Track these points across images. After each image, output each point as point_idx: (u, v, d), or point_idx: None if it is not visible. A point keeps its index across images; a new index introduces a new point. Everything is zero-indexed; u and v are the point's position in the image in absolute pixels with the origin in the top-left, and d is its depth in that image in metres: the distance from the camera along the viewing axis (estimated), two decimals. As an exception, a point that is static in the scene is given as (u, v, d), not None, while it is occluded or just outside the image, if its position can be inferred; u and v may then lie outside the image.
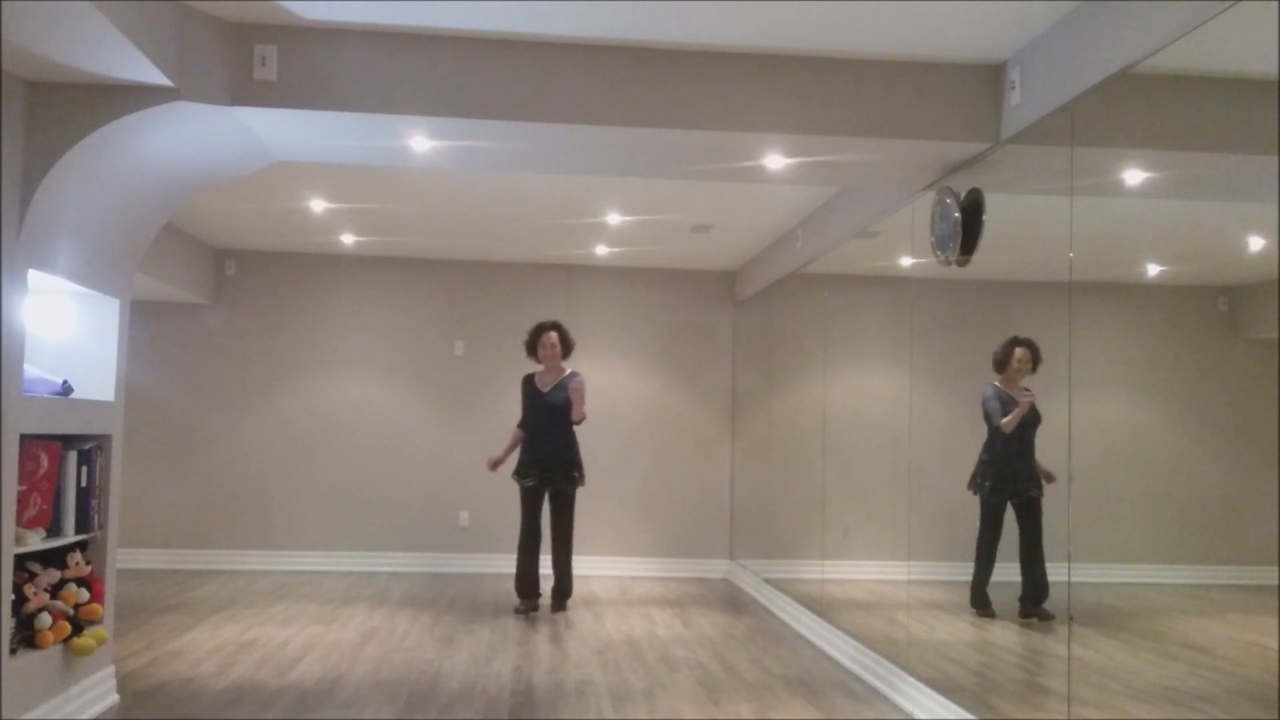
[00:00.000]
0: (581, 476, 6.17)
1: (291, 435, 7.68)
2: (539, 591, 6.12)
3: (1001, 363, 4.10)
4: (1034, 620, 4.12)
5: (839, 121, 3.71)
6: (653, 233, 6.71)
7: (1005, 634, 4.32)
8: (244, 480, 7.62)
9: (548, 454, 6.06)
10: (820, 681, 4.55)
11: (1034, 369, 3.95)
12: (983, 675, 4.07)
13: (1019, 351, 4.04)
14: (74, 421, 3.66)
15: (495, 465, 6.24)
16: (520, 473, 6.13)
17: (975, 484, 4.20)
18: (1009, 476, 4.09)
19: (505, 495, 7.61)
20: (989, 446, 4.14)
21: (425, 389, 7.84)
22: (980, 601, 4.28)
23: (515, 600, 6.15)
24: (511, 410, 6.36)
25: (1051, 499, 3.70)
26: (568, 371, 6.17)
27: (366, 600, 6.32)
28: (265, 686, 4.20)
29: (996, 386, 4.10)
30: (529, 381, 6.23)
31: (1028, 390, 3.98)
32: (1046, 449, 3.70)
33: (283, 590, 6.61)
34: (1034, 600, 4.07)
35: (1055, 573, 3.52)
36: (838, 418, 5.63)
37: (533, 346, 6.18)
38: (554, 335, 6.14)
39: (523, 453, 6.16)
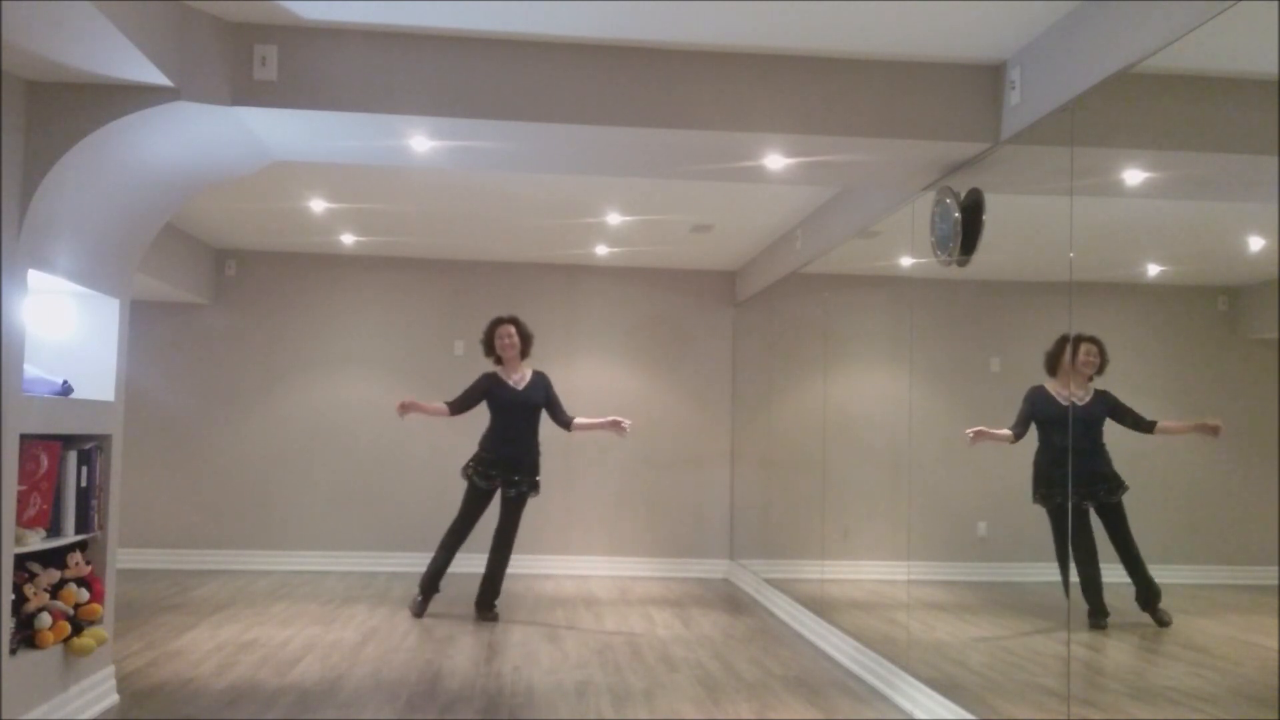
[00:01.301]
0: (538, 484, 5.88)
1: (291, 435, 7.68)
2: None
3: (1052, 362, 3.78)
4: (1149, 623, 3.62)
5: (839, 121, 3.71)
6: (653, 233, 6.71)
7: (1004, 634, 4.32)
8: (244, 480, 7.62)
9: (516, 455, 5.78)
10: (820, 681, 4.55)
11: (1101, 369, 3.59)
12: (983, 675, 4.06)
13: (1083, 347, 3.65)
14: (74, 421, 3.66)
15: (405, 409, 5.67)
16: (478, 471, 5.79)
17: (1039, 494, 3.84)
18: (1073, 478, 3.63)
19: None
20: (1040, 450, 3.86)
21: (425, 389, 7.80)
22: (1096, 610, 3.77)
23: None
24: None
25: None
26: (535, 371, 5.93)
27: (366, 600, 6.32)
28: (265, 686, 4.20)
29: (1040, 388, 3.83)
30: (496, 378, 5.88)
31: (1093, 392, 3.67)
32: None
33: (283, 590, 6.61)
34: (1149, 602, 3.60)
35: (1054, 572, 3.52)
36: (838, 418, 5.63)
37: (489, 342, 5.90)
38: (511, 328, 5.85)
39: (485, 450, 5.83)
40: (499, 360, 5.93)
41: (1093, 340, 3.64)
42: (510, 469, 5.79)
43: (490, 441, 5.87)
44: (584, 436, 7.51)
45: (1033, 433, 3.91)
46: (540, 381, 5.91)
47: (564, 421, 5.86)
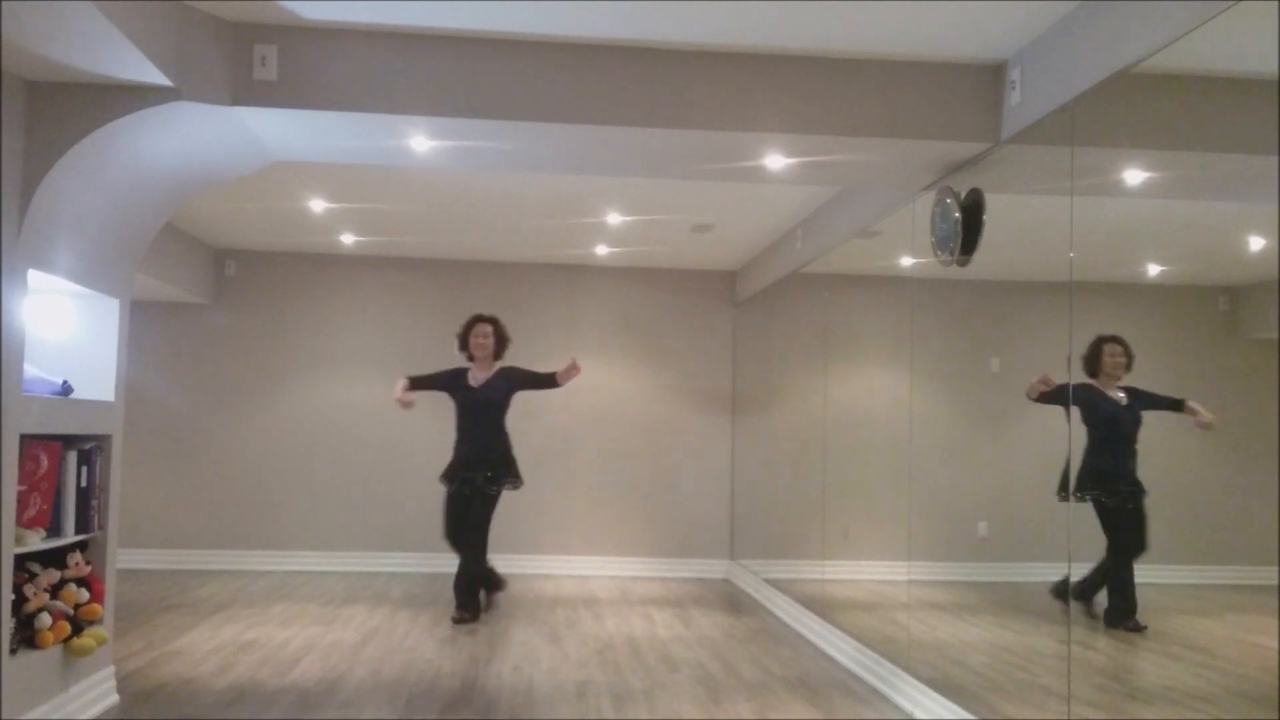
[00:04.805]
0: (518, 479, 5.86)
1: (292, 435, 7.68)
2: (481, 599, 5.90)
3: (1091, 363, 3.77)
4: (1119, 631, 3.88)
5: (839, 121, 3.71)
6: (653, 233, 6.70)
7: (1004, 635, 4.32)
8: (244, 480, 7.62)
9: (477, 453, 5.76)
10: (820, 681, 4.55)
11: (1129, 366, 3.71)
12: (983, 675, 4.06)
13: (1108, 349, 3.83)
14: (74, 421, 3.66)
15: (405, 403, 5.72)
16: (447, 474, 5.81)
17: (1079, 491, 3.77)
18: (1113, 479, 3.72)
19: (506, 495, 7.62)
20: (1089, 450, 3.80)
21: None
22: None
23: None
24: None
25: (1050, 498, 3.70)
26: (500, 367, 5.87)
27: (366, 600, 6.32)
28: (265, 686, 4.20)
29: (1088, 385, 3.89)
30: (461, 375, 5.85)
31: (1127, 389, 3.76)
32: (1047, 448, 3.69)
33: (283, 590, 6.61)
34: (1126, 613, 3.71)
35: (1055, 573, 3.52)
36: (838, 418, 5.63)
37: (465, 339, 5.87)
38: (489, 328, 5.82)
39: (454, 452, 5.85)
40: (471, 357, 5.91)
41: (1117, 340, 3.70)
42: (472, 467, 5.74)
43: (457, 443, 5.88)
44: (585, 434, 7.65)
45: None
46: (500, 376, 5.85)
47: (547, 382, 5.81)
